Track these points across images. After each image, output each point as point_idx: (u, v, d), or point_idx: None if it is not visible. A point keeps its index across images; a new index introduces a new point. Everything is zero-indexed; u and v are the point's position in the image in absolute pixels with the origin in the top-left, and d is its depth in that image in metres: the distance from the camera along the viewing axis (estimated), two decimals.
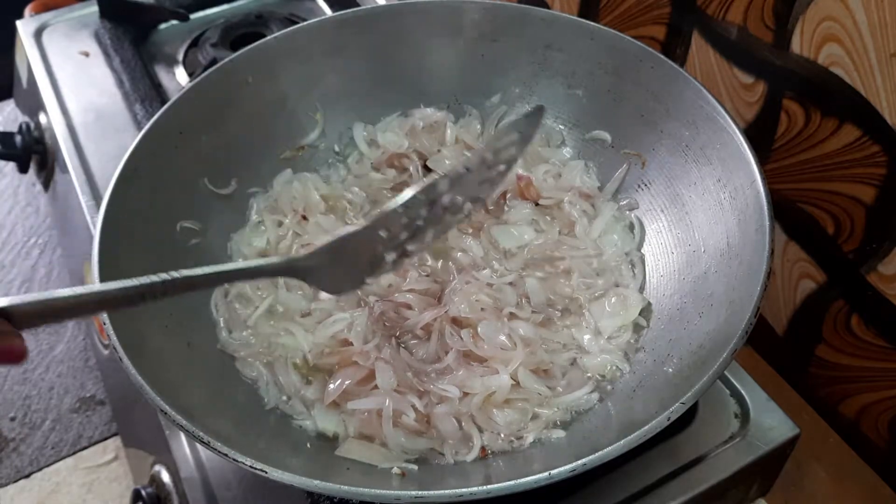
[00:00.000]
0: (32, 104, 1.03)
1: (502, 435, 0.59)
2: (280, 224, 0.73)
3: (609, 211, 0.74)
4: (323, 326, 0.66)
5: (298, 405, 0.62)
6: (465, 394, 0.60)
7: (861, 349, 0.78)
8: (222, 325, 0.67)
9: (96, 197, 0.85)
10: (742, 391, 0.66)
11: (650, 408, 0.53)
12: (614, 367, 0.64)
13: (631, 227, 0.73)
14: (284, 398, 0.63)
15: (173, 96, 0.71)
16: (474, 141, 0.80)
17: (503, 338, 0.63)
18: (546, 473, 0.47)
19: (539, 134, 0.80)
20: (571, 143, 0.79)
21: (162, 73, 1.02)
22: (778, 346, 0.88)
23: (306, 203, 0.74)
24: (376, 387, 0.61)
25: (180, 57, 1.03)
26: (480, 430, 0.59)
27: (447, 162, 0.78)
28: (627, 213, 0.74)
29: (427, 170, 0.79)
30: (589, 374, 0.63)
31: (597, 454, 0.48)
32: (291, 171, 0.78)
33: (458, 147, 0.80)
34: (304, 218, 0.73)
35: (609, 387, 0.63)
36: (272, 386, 0.63)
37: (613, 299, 0.67)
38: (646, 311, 0.67)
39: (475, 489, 0.47)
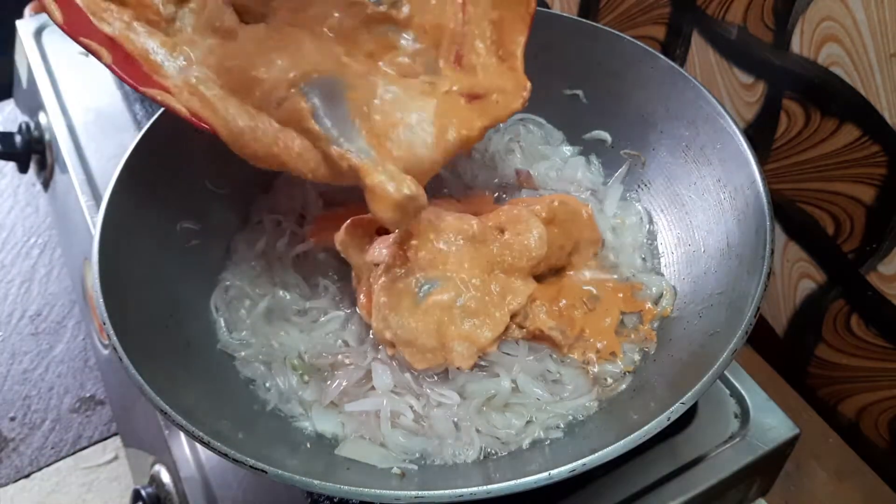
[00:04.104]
0: (32, 104, 1.03)
1: (501, 438, 0.59)
2: (279, 224, 0.73)
3: (616, 192, 0.73)
4: (319, 325, 0.66)
5: (297, 406, 0.62)
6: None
7: (861, 349, 0.78)
8: (222, 325, 0.67)
9: (96, 197, 0.85)
10: (742, 391, 0.66)
11: (650, 408, 0.53)
12: (618, 368, 0.63)
13: (640, 218, 0.73)
14: (284, 398, 0.63)
15: None
16: None
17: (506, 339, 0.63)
18: (546, 473, 0.47)
19: (539, 133, 0.80)
20: (571, 143, 0.79)
21: None
22: (778, 346, 0.88)
23: (305, 203, 0.74)
24: (374, 387, 0.61)
25: None
26: (479, 432, 0.59)
27: None
28: (635, 203, 0.74)
29: None
30: (594, 378, 0.63)
31: (596, 454, 0.47)
32: None
33: None
34: (304, 217, 0.73)
35: (610, 388, 0.63)
36: (272, 386, 0.63)
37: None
38: (661, 301, 0.67)
39: (475, 489, 0.47)
